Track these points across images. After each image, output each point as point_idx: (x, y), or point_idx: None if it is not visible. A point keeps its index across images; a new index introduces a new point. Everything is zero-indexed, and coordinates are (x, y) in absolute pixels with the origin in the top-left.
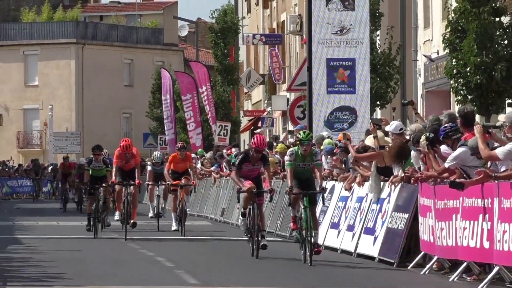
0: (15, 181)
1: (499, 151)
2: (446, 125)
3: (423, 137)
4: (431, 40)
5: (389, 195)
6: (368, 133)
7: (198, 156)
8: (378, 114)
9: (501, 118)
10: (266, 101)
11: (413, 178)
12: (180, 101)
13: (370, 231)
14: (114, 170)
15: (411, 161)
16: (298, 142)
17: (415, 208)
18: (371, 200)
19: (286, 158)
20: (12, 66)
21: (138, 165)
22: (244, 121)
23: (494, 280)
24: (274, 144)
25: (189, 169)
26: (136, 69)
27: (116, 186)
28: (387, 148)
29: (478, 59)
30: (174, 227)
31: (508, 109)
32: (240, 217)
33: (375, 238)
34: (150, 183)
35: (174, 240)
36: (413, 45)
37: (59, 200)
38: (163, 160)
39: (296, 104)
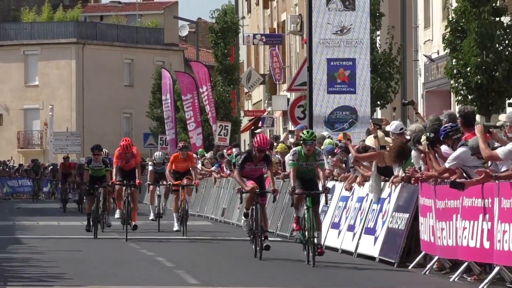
0: (15, 181)
1: (500, 151)
2: (446, 125)
3: (423, 137)
4: (432, 40)
5: (389, 195)
6: (368, 133)
7: (198, 156)
8: (379, 114)
9: (502, 118)
10: (266, 101)
11: (413, 178)
12: (181, 101)
13: (370, 231)
14: (114, 170)
15: (412, 161)
16: (301, 142)
17: (415, 208)
18: (372, 200)
19: (289, 157)
20: (12, 66)
21: (138, 165)
22: (245, 121)
23: (494, 280)
24: (275, 144)
25: (191, 169)
26: (136, 69)
27: (116, 186)
28: (387, 148)
29: (479, 59)
30: (175, 228)
31: (508, 109)
32: (243, 217)
33: (376, 238)
34: (151, 183)
35: (174, 240)
36: (414, 45)
37: (59, 200)
38: (165, 160)
39: (297, 104)
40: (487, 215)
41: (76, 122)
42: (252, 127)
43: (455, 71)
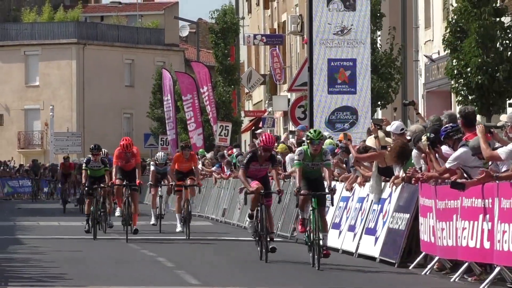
0: (16, 181)
1: (501, 151)
2: (447, 125)
3: (424, 138)
4: (432, 40)
5: (390, 195)
6: (369, 133)
7: (199, 157)
8: (379, 114)
9: (503, 118)
10: (267, 102)
11: (413, 179)
12: (181, 101)
13: (371, 231)
14: (114, 170)
15: (412, 161)
16: (308, 141)
17: (416, 209)
18: (372, 200)
19: (295, 157)
20: (13, 66)
21: (139, 165)
22: (245, 121)
23: (495, 281)
24: (275, 144)
25: (193, 169)
26: (137, 69)
27: (117, 181)
28: (388, 148)
29: (479, 60)
30: (178, 229)
31: (509, 109)
32: (248, 219)
33: (376, 239)
34: (152, 183)
35: (175, 240)
36: (414, 46)
37: (58, 200)
38: (167, 161)
39: (297, 105)
40: (487, 215)
41: (76, 122)
42: (253, 128)
43: (455, 71)
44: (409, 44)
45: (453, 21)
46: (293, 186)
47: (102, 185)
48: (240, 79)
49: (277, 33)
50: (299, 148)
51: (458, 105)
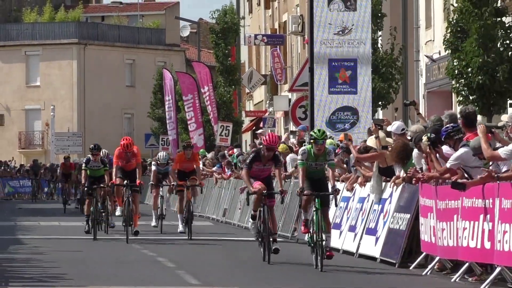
0: (16, 181)
1: (502, 151)
2: (448, 125)
3: (424, 138)
4: (433, 40)
5: (390, 195)
6: (369, 133)
7: (200, 157)
8: (380, 114)
9: (504, 118)
10: (268, 102)
11: (414, 179)
12: (182, 101)
13: (372, 231)
14: (114, 170)
15: (413, 161)
16: (312, 141)
17: (416, 209)
18: (373, 200)
19: (298, 157)
20: (14, 66)
21: (139, 165)
22: (246, 121)
23: (496, 281)
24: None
25: (195, 169)
26: (137, 69)
27: (117, 180)
28: (389, 148)
29: (480, 60)
30: (180, 229)
31: (510, 110)
32: (250, 219)
33: (377, 239)
34: (154, 183)
35: (176, 241)
36: (415, 46)
37: (59, 200)
38: (168, 161)
39: (298, 105)
40: (488, 216)
41: (77, 122)
42: (254, 128)
43: (456, 71)
44: (410, 44)
45: (454, 21)
46: (294, 186)
47: (101, 185)
48: (241, 79)
49: (278, 33)
50: (303, 148)
51: (459, 105)
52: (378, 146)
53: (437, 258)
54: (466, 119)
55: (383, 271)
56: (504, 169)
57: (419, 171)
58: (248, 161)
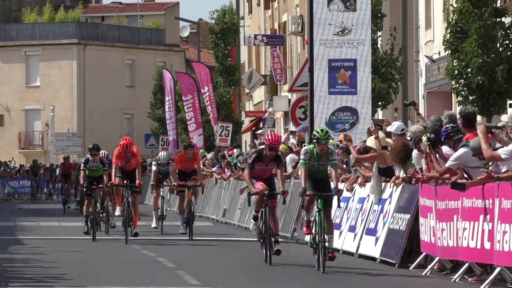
0: (16, 181)
1: (502, 151)
2: (447, 125)
3: (424, 138)
4: (433, 40)
5: (390, 195)
6: (369, 133)
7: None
8: (380, 114)
9: (504, 118)
10: (267, 102)
11: (414, 179)
12: (182, 101)
13: (371, 232)
14: (114, 170)
15: (412, 161)
16: (314, 141)
17: (416, 209)
18: (373, 201)
19: (301, 156)
20: (13, 66)
21: (139, 165)
22: (246, 122)
23: (495, 281)
24: None
25: (196, 169)
26: (137, 69)
27: (117, 180)
28: (389, 149)
29: (480, 60)
30: (181, 230)
31: (510, 110)
32: (252, 220)
33: (377, 239)
34: (154, 183)
35: (176, 241)
36: (415, 46)
37: (58, 200)
38: (169, 161)
39: (298, 105)
40: (488, 216)
41: (77, 123)
42: (253, 128)
43: (456, 72)
44: (410, 44)
45: (454, 21)
46: (294, 186)
47: (100, 185)
48: (240, 79)
49: (277, 33)
50: (305, 147)
51: (458, 106)
52: (378, 146)
53: (437, 259)
54: (465, 120)
55: (383, 271)
56: (503, 169)
57: (419, 172)
58: (250, 161)
